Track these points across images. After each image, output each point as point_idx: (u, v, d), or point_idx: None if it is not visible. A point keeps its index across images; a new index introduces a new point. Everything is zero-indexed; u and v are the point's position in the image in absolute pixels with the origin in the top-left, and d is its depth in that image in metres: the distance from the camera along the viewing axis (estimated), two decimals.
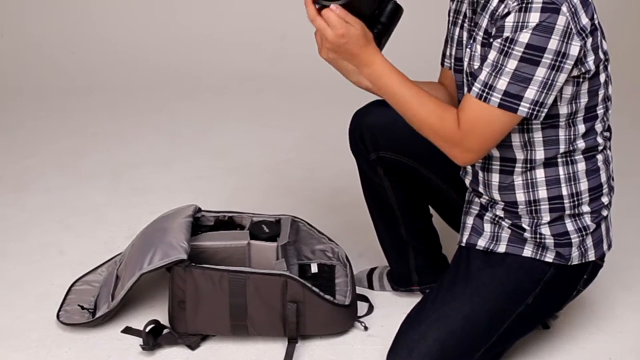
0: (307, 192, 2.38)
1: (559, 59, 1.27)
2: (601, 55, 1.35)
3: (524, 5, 1.26)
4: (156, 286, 1.84)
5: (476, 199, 1.56)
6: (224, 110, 3.08)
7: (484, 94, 1.31)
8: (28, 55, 3.48)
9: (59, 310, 1.78)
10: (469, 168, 1.55)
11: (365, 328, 1.71)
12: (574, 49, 1.27)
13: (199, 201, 1.94)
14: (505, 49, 1.28)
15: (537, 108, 1.30)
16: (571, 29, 1.26)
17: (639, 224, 2.16)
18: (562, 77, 1.29)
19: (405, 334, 1.48)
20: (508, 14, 1.28)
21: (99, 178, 2.50)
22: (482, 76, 1.31)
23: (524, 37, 1.26)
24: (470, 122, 1.34)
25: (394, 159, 1.64)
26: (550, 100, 1.31)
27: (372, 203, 1.78)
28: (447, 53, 1.61)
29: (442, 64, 1.67)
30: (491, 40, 1.32)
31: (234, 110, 3.09)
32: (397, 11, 1.46)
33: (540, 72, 1.27)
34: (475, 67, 1.40)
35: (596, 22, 1.33)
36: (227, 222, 1.89)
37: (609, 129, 1.48)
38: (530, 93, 1.29)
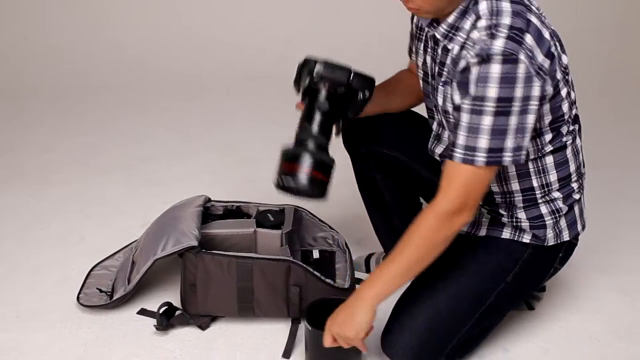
0: None
1: (525, 103, 1.24)
2: (559, 75, 1.32)
3: (484, 58, 1.22)
4: (169, 271, 1.86)
5: None
6: (231, 109, 3.08)
7: (469, 157, 1.27)
8: (48, 57, 3.48)
9: (79, 293, 1.80)
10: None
11: None
12: (536, 90, 1.25)
13: (209, 192, 1.95)
14: (477, 107, 1.24)
15: (518, 153, 1.27)
16: (530, 72, 1.23)
17: (613, 212, 2.18)
18: (532, 117, 1.27)
19: (398, 315, 1.50)
20: (468, 68, 1.25)
21: (114, 171, 2.51)
22: (461, 141, 1.27)
23: (492, 92, 1.22)
24: (463, 189, 1.30)
25: (383, 152, 1.64)
26: (527, 142, 1.28)
27: (365, 194, 1.78)
28: (414, 49, 1.59)
29: (410, 57, 1.65)
30: (457, 99, 1.29)
31: (241, 108, 3.09)
32: (367, 83, 1.44)
33: (513, 120, 1.24)
34: (449, 108, 1.38)
35: (552, 49, 1.29)
36: (235, 211, 1.90)
37: (575, 121, 1.46)
38: (510, 142, 1.26)
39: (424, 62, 1.50)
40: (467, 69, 1.25)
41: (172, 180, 2.44)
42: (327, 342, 1.42)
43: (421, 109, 1.69)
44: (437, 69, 1.43)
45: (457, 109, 1.28)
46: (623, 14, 3.54)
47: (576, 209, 1.52)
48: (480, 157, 1.27)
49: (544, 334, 1.66)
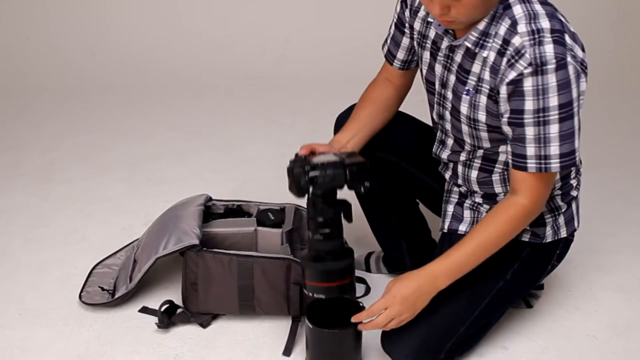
0: None
1: (578, 100, 1.27)
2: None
3: (538, 69, 1.23)
4: (170, 269, 1.86)
5: (455, 188, 1.58)
6: (233, 109, 3.08)
7: (543, 166, 1.30)
8: (51, 57, 3.48)
9: (81, 291, 1.80)
10: (450, 164, 1.56)
11: (363, 308, 1.72)
12: (583, 85, 1.27)
13: (210, 191, 1.95)
14: (541, 119, 1.26)
15: (579, 151, 1.31)
16: (578, 70, 1.25)
17: (611, 211, 2.17)
18: (581, 112, 1.29)
19: None
20: (520, 79, 1.25)
21: (116, 170, 2.51)
22: (531, 152, 1.29)
23: (553, 100, 1.24)
24: (539, 193, 1.35)
25: (380, 156, 1.63)
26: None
27: (363, 196, 1.77)
28: (403, 59, 1.57)
29: (391, 63, 1.60)
30: (503, 108, 1.30)
31: (242, 108, 3.09)
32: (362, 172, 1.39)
33: (575, 121, 1.28)
34: (481, 116, 1.37)
35: (582, 43, 1.31)
36: (235, 210, 1.90)
37: None
38: (576, 142, 1.29)
39: (430, 71, 1.48)
40: (519, 80, 1.25)
41: (173, 179, 2.44)
42: (378, 310, 1.39)
43: (416, 113, 1.69)
44: (453, 77, 1.41)
45: (519, 124, 1.29)
46: (622, 14, 3.53)
47: (573, 206, 1.53)
48: (554, 164, 1.29)
49: (543, 332, 1.66)
